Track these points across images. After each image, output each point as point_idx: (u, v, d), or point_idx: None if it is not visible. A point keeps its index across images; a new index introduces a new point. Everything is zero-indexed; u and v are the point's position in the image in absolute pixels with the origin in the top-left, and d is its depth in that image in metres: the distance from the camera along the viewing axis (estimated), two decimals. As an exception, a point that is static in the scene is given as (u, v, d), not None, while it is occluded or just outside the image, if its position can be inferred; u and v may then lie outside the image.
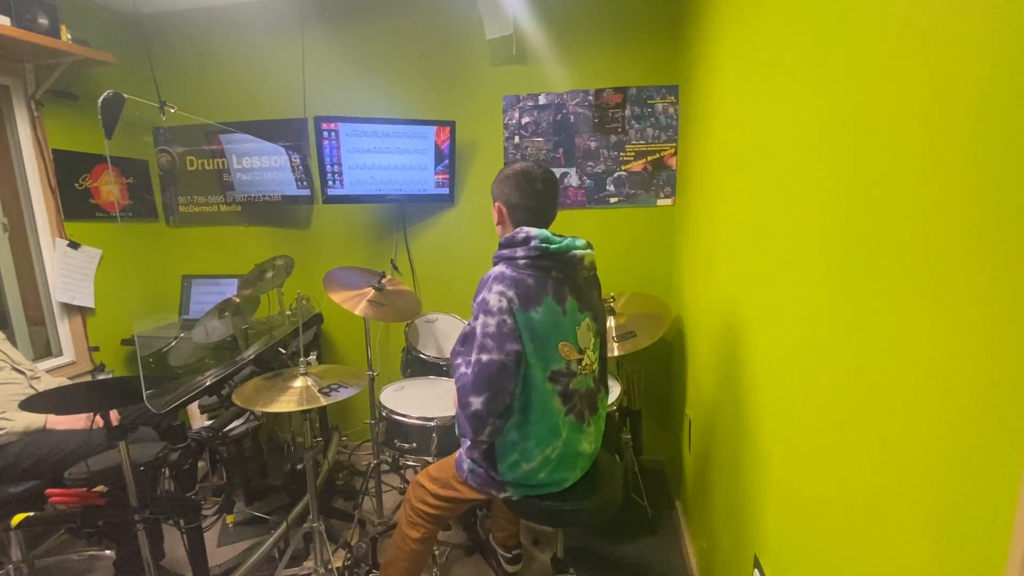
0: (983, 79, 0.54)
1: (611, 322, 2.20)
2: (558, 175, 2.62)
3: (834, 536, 0.85)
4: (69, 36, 2.25)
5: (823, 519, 0.89)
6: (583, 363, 1.36)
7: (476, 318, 1.27)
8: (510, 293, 1.25)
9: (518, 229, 1.34)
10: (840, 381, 0.84)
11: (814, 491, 0.93)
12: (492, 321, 1.23)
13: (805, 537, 0.97)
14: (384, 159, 2.56)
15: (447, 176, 2.66)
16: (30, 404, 1.45)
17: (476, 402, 1.23)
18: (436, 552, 2.01)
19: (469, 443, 1.46)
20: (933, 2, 0.62)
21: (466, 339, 1.29)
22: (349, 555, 1.95)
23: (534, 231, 1.31)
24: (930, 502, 0.62)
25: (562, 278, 1.33)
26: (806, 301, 0.98)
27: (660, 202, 2.57)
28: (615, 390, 2.07)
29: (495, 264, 1.35)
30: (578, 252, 1.33)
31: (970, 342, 0.55)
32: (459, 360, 1.29)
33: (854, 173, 0.80)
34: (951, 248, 0.58)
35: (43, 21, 2.15)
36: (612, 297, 2.34)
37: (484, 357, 1.23)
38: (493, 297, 1.25)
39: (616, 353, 2.08)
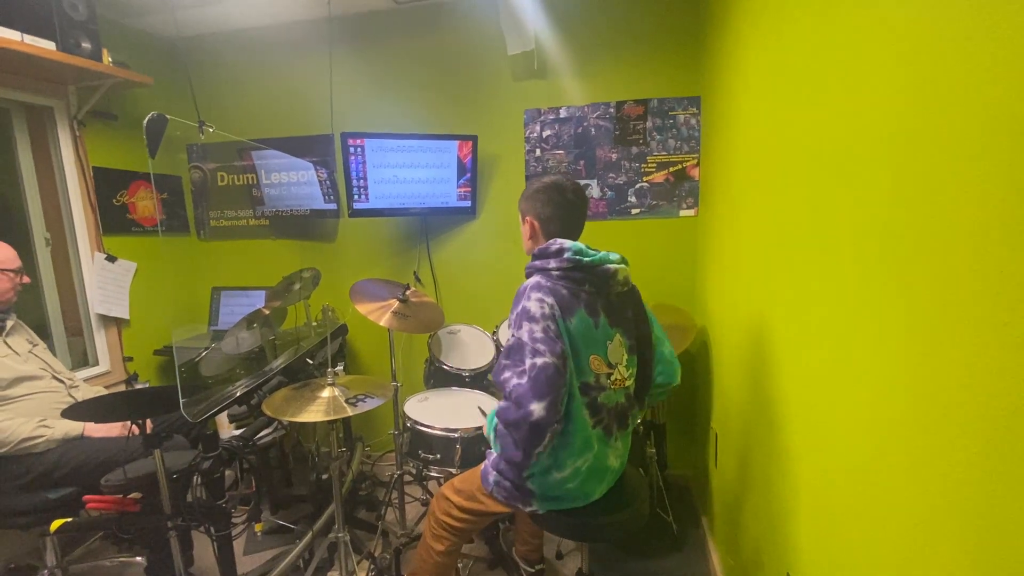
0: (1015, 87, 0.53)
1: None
2: (580, 187, 2.63)
3: (873, 554, 0.83)
4: (110, 59, 2.35)
5: (860, 536, 0.87)
6: (612, 378, 1.35)
7: (519, 328, 1.24)
8: (549, 300, 1.25)
9: (551, 240, 1.34)
10: (874, 393, 0.82)
11: (850, 507, 0.91)
12: (538, 327, 1.22)
13: (842, 554, 0.95)
14: (408, 173, 2.61)
15: (469, 189, 2.69)
16: (71, 413, 1.50)
17: (538, 408, 1.17)
18: (459, 565, 2.01)
19: (499, 456, 1.38)
20: (970, 11, 0.62)
21: (512, 351, 1.25)
22: (373, 566, 1.96)
23: (568, 243, 1.31)
24: (974, 519, 0.60)
25: (595, 292, 1.32)
26: (836, 312, 0.96)
27: (683, 213, 2.56)
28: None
29: (528, 276, 1.36)
30: (611, 266, 1.32)
31: (1015, 351, 0.54)
32: (508, 373, 1.24)
33: (888, 182, 0.79)
34: (991, 257, 0.57)
35: (86, 45, 2.24)
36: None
37: (539, 361, 1.19)
38: (534, 304, 1.24)
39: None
